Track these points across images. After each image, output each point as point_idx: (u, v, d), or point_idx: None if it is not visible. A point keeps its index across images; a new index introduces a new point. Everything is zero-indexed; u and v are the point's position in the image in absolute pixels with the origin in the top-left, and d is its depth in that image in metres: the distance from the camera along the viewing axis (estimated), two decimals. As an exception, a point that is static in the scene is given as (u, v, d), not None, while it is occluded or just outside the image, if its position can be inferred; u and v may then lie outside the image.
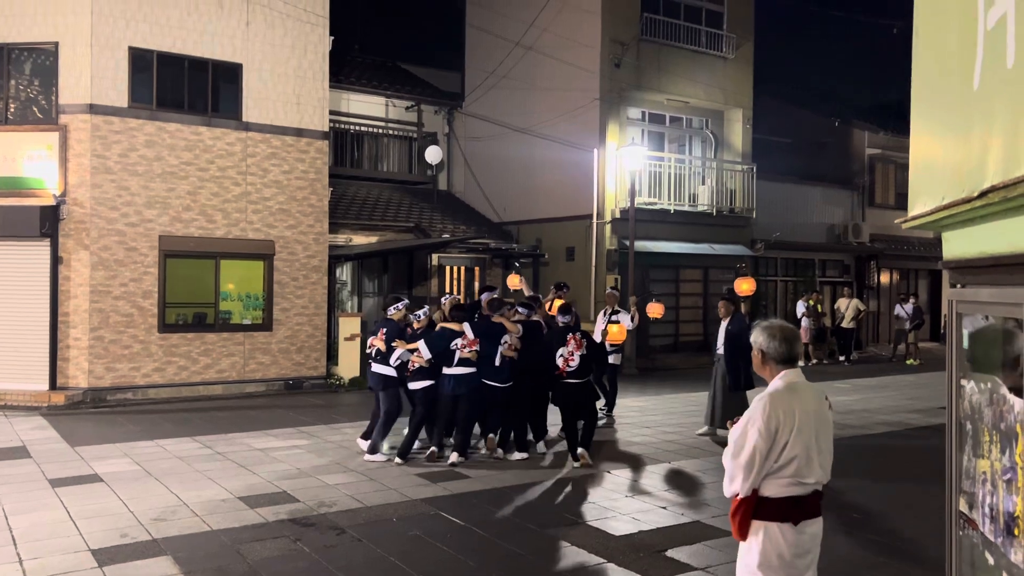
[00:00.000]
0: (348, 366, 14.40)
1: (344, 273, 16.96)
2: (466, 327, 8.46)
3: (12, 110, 12.51)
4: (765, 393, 3.34)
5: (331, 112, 15.78)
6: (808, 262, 22.15)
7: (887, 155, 23.83)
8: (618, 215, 17.11)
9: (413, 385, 8.61)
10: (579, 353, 8.53)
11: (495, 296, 9.41)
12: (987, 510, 2.50)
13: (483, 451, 8.92)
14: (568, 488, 7.66)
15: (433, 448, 8.69)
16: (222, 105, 13.51)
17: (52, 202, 12.19)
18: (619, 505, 7.06)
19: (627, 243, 16.45)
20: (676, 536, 6.17)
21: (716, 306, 10.67)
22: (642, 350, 17.39)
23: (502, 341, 8.51)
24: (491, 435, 8.94)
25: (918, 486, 7.64)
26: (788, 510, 3.28)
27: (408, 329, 8.65)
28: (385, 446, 8.73)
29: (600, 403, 10.47)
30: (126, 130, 12.60)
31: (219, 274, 13.42)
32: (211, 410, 11.86)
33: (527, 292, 11.53)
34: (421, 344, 8.29)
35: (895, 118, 23.13)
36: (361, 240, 16.43)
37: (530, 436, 9.14)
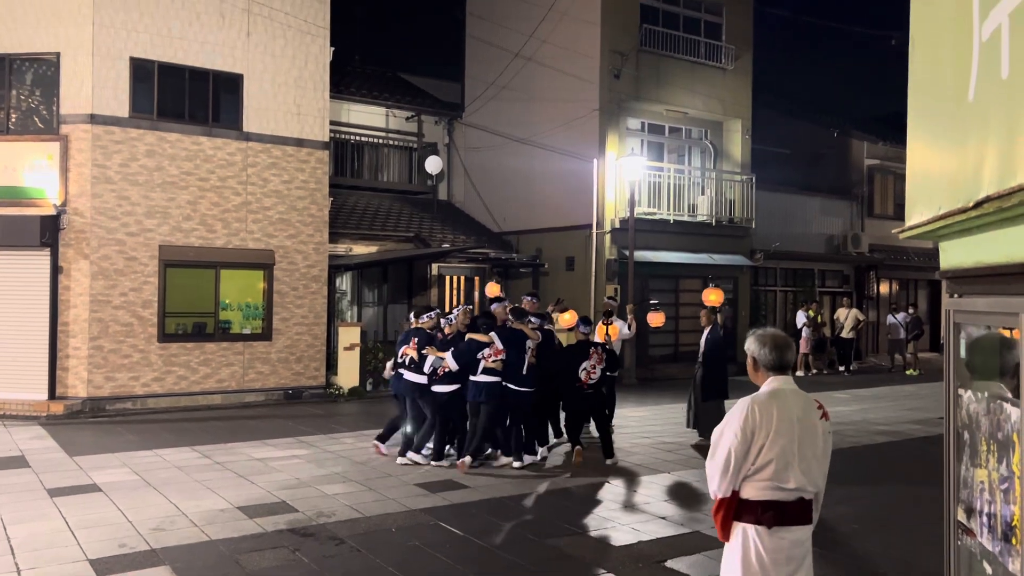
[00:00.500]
0: (347, 376, 14.40)
1: (344, 283, 16.96)
2: (494, 337, 8.63)
3: (13, 120, 12.55)
4: (747, 397, 3.37)
5: (331, 122, 15.81)
6: (807, 272, 22.16)
7: (886, 166, 23.88)
8: (618, 225, 17.13)
9: (438, 389, 8.77)
10: (600, 367, 9.06)
11: (516, 305, 9.67)
12: (985, 519, 2.50)
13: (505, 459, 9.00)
14: (568, 498, 7.65)
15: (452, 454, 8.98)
16: (223, 115, 13.55)
17: (53, 211, 12.21)
18: (619, 515, 7.05)
19: (627, 253, 16.47)
20: (676, 546, 6.16)
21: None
22: (642, 360, 17.38)
23: (526, 348, 8.76)
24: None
25: (916, 496, 7.63)
26: (763, 513, 3.30)
27: (439, 335, 8.91)
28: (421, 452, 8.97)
29: None
30: (127, 140, 12.64)
31: (219, 284, 13.43)
32: (210, 420, 11.85)
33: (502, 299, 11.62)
34: (448, 356, 8.53)
35: (894, 129, 23.19)
36: (361, 250, 16.44)
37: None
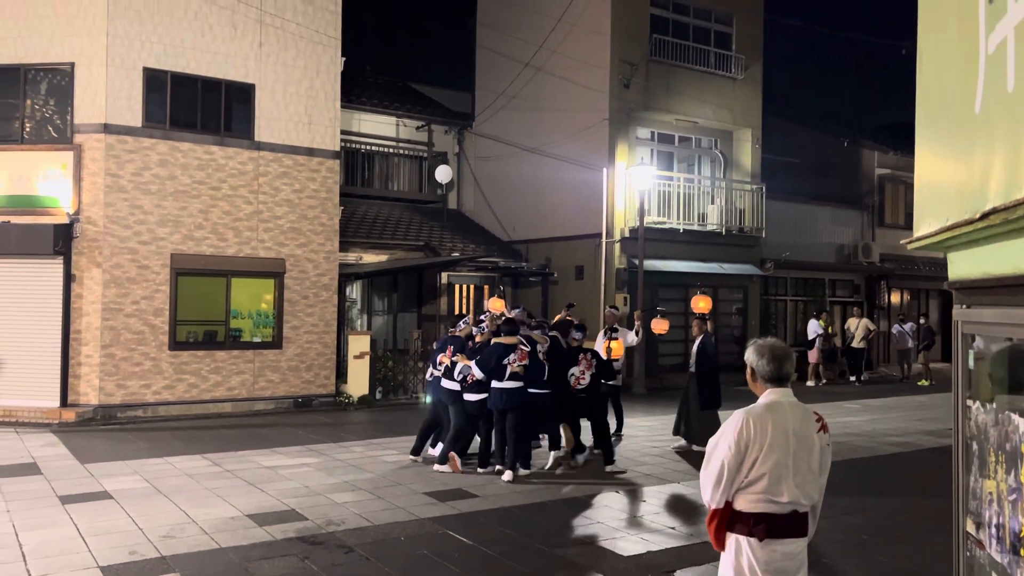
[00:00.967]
0: (357, 384, 14.43)
1: (354, 291, 17.02)
2: (521, 340, 8.79)
3: (28, 129, 12.68)
4: (742, 409, 3.36)
5: (342, 132, 15.91)
6: (818, 281, 22.09)
7: (897, 175, 23.81)
8: (627, 234, 17.14)
9: (470, 397, 8.92)
10: (589, 372, 9.32)
11: (526, 311, 9.94)
12: (994, 530, 2.50)
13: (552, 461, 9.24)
14: (577, 508, 7.64)
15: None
16: (234, 125, 13.65)
17: (66, 220, 12.32)
18: (627, 525, 7.04)
19: (636, 262, 16.47)
20: (685, 557, 6.15)
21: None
22: (651, 369, 17.35)
23: (538, 351, 8.97)
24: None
25: (926, 507, 7.59)
26: (755, 525, 3.30)
27: (470, 343, 9.14)
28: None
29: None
30: (139, 149, 12.75)
31: (230, 292, 13.51)
32: (220, 428, 11.90)
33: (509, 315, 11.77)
34: (473, 365, 8.69)
35: (905, 138, 23.03)
36: (371, 258, 16.50)
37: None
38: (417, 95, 21.64)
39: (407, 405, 14.65)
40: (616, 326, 11.56)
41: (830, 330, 19.73)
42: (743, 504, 3.33)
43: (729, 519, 3.36)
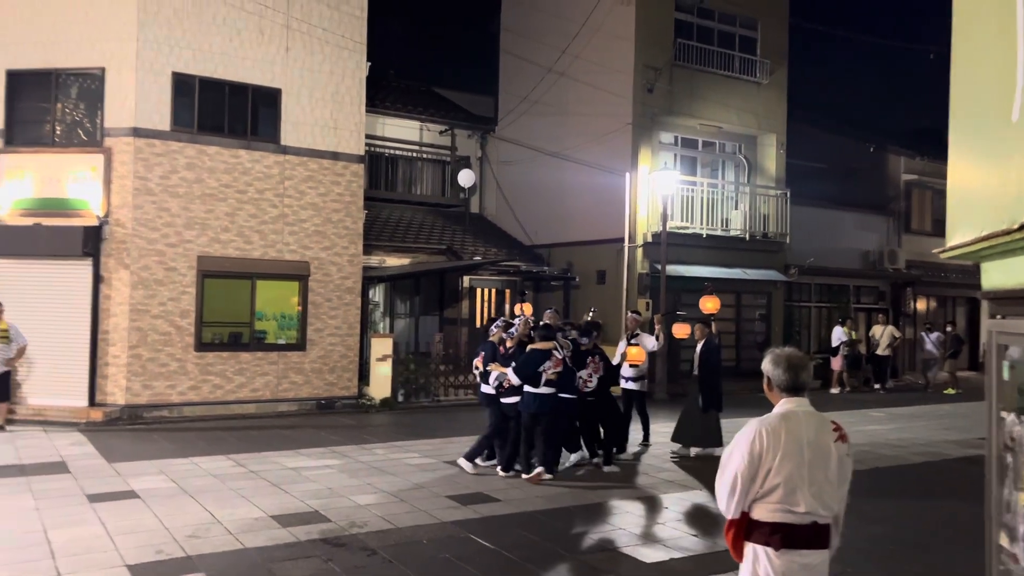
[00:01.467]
0: (379, 387, 14.50)
1: (377, 294, 17.10)
2: (556, 347, 8.85)
3: (59, 132, 12.88)
4: (757, 419, 3.34)
5: (366, 136, 15.99)
6: (843, 288, 21.88)
7: (924, 181, 23.53)
8: (650, 239, 17.08)
9: (507, 400, 9.00)
10: (597, 375, 9.43)
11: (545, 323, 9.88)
12: (1028, 544, 2.46)
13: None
14: (599, 513, 7.62)
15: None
16: (261, 129, 13.78)
17: (95, 222, 12.49)
18: (650, 532, 7.01)
19: (659, 267, 16.40)
20: (707, 564, 6.11)
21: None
22: (673, 375, 17.26)
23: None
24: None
25: (955, 518, 7.49)
26: (771, 534, 3.27)
27: (501, 348, 9.20)
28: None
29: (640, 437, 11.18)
30: (168, 153, 12.90)
31: (255, 294, 13.63)
32: (244, 428, 12.00)
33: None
34: (510, 371, 8.75)
35: (932, 144, 22.85)
36: (394, 262, 16.58)
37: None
38: (440, 99, 21.73)
39: (429, 408, 14.69)
40: (637, 331, 11.50)
41: (854, 336, 19.53)
42: (760, 513, 3.31)
43: (747, 528, 3.35)
